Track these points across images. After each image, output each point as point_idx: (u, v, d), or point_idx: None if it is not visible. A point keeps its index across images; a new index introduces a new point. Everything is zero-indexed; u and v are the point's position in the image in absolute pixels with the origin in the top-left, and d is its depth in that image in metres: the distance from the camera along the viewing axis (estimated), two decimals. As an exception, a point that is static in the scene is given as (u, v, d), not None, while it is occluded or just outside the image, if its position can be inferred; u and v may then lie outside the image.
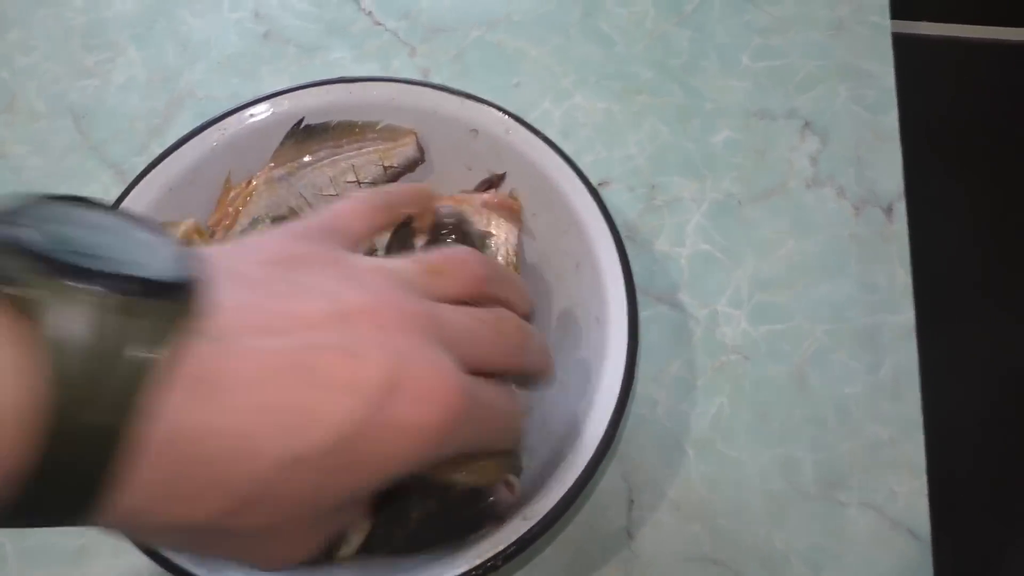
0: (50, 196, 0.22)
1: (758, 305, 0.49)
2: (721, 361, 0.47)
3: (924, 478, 0.44)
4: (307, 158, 0.43)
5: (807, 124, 0.53)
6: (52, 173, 0.52)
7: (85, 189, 0.51)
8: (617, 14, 0.57)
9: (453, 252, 0.30)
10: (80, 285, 0.19)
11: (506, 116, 0.42)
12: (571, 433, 0.36)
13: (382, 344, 0.24)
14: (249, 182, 0.42)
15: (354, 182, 0.43)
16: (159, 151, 0.42)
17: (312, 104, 0.43)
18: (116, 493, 0.20)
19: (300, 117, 0.42)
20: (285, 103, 0.43)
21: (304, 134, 0.43)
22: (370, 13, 0.57)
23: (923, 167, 0.51)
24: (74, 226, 0.21)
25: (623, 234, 0.50)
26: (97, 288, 0.19)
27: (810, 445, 0.45)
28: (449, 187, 0.43)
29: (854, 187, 0.52)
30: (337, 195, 0.43)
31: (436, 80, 0.55)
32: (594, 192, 0.40)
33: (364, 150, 0.43)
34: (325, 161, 0.43)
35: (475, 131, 0.43)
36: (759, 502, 0.44)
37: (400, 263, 0.28)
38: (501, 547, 0.33)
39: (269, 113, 0.42)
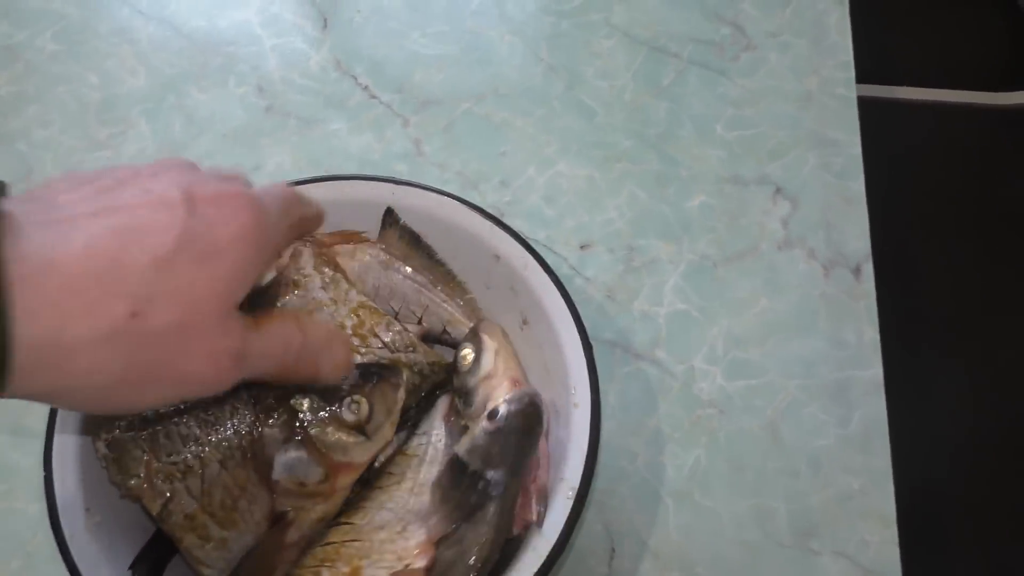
0: None
1: (733, 361, 0.51)
2: (698, 415, 0.49)
3: (894, 527, 0.46)
4: (408, 269, 0.45)
5: (778, 190, 0.57)
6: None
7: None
8: (598, 87, 0.61)
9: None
10: None
11: (526, 252, 0.43)
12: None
13: (166, 181, 0.29)
14: (356, 236, 0.44)
15: (414, 322, 0.45)
16: None
17: (354, 197, 0.45)
18: (17, 324, 0.24)
19: (385, 207, 0.45)
20: (323, 191, 0.44)
21: (411, 239, 0.45)
22: (366, 87, 0.61)
23: (890, 228, 0.55)
24: None
25: (604, 294, 0.53)
26: None
27: (784, 495, 0.47)
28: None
29: (823, 249, 0.54)
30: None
31: (427, 151, 0.58)
32: (587, 346, 0.41)
33: (443, 305, 0.46)
34: (417, 285, 0.45)
35: (497, 257, 0.44)
36: (735, 551, 0.46)
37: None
38: None
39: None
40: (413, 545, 0.38)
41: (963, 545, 0.47)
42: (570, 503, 0.37)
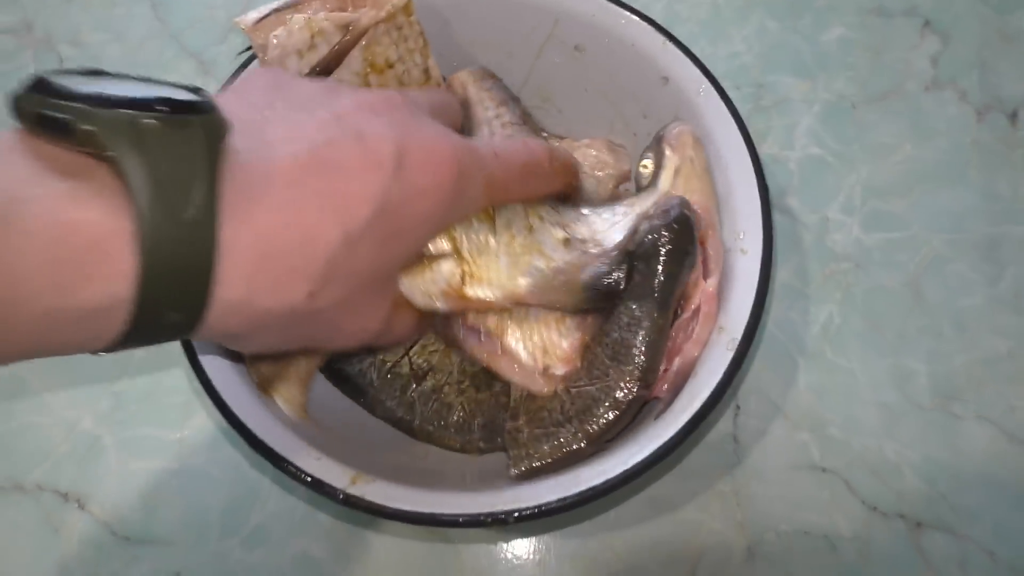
0: (68, 69, 0.24)
1: (872, 212, 0.46)
2: (832, 269, 0.45)
3: (1045, 393, 0.43)
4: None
5: (927, 23, 0.50)
6: (132, 62, 0.50)
7: (167, 79, 0.49)
8: (722, -98, 0.53)
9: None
10: (132, 111, 0.22)
11: (703, 76, 0.38)
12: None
13: (381, 124, 0.28)
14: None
15: None
16: (239, 41, 0.40)
17: None
18: (218, 288, 0.24)
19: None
20: None
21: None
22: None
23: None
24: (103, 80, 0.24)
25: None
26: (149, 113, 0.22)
27: (925, 356, 0.43)
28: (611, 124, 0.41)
29: (977, 91, 0.48)
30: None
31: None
32: (764, 188, 0.36)
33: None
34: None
35: (666, 79, 0.38)
36: (871, 412, 0.42)
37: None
38: (648, 451, 0.32)
39: None
40: (566, 346, 0.35)
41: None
42: (729, 355, 0.33)
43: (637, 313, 0.34)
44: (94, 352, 0.24)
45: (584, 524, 0.41)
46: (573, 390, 0.35)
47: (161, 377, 0.43)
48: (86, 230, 0.22)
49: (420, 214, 0.28)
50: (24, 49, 0.51)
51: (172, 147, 0.22)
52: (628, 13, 0.39)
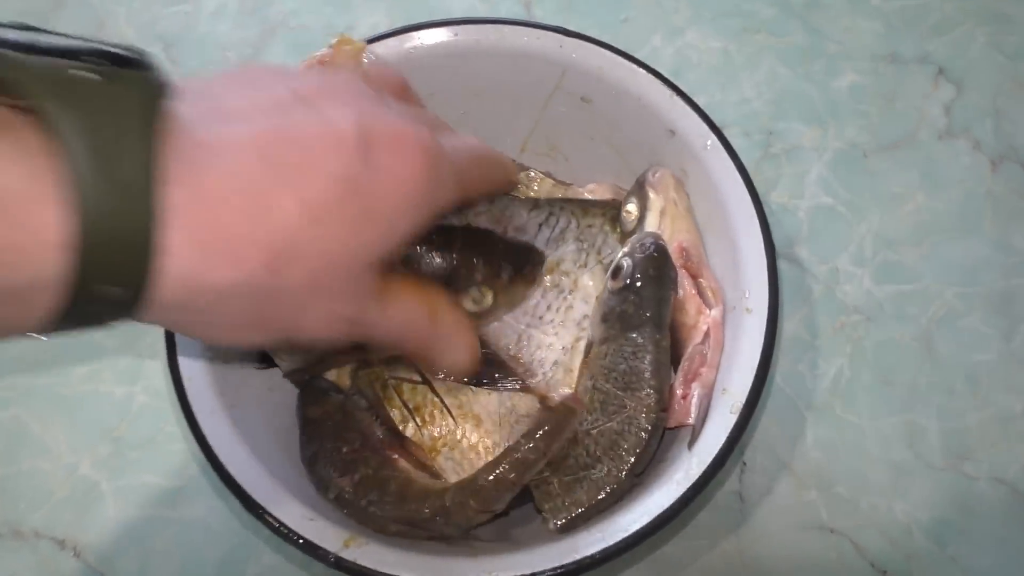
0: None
1: (883, 263, 0.45)
2: (842, 321, 0.44)
3: (1061, 454, 0.42)
4: None
5: (941, 70, 0.49)
6: (141, 103, 0.50)
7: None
8: (733, -54, 0.53)
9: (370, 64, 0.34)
10: (65, 61, 0.20)
11: (710, 130, 0.37)
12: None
13: (346, 108, 0.26)
14: None
15: None
16: None
17: (515, 46, 0.39)
18: (164, 258, 0.22)
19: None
20: (482, 35, 0.39)
21: None
22: (469, -59, 0.54)
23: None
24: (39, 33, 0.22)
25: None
26: (82, 64, 0.21)
27: (936, 413, 0.42)
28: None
29: (991, 140, 0.48)
30: None
31: (538, 15, 0.52)
32: (770, 246, 0.35)
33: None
34: None
35: (672, 132, 0.38)
36: (880, 471, 0.41)
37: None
38: (644, 522, 0.31)
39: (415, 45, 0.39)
40: None
41: None
42: (733, 419, 0.32)
43: (639, 340, 0.35)
44: (27, 334, 0.22)
45: (585, 582, 0.40)
46: (594, 431, 0.35)
47: (162, 424, 0.43)
48: (7, 196, 0.19)
49: (395, 199, 0.27)
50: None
51: (107, 101, 0.21)
52: (636, 66, 0.38)
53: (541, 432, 0.33)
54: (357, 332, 0.29)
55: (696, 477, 0.31)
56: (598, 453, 0.34)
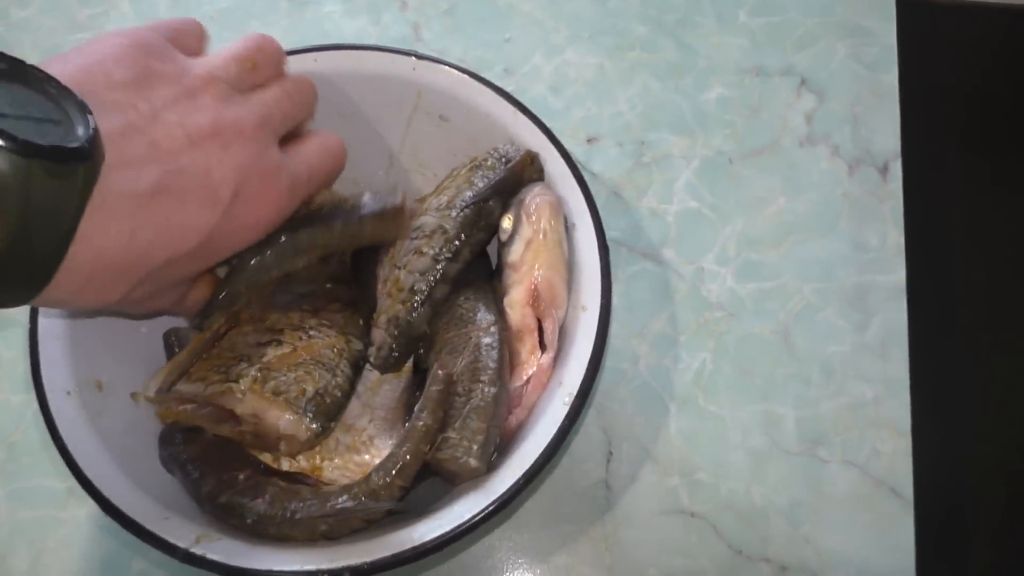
0: None
1: (745, 263, 0.48)
2: (705, 317, 0.47)
3: (909, 437, 0.44)
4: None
5: (804, 81, 0.52)
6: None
7: (78, 141, 0.52)
8: (613, -31, 0.56)
9: (254, 40, 0.37)
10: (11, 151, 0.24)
11: (548, 141, 0.40)
12: (548, 393, 0.37)
13: (228, 163, 0.31)
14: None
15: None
16: None
17: (373, 70, 0.42)
18: (48, 289, 0.27)
19: None
20: (340, 60, 0.42)
21: None
22: (364, -32, 0.57)
23: (921, 128, 0.50)
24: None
25: (610, 190, 0.50)
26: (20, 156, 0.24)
27: (793, 402, 0.45)
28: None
29: (849, 146, 0.51)
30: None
31: (427, 36, 0.54)
32: (604, 248, 0.38)
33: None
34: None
35: (512, 144, 0.41)
36: (739, 457, 0.44)
37: (221, 63, 0.34)
38: (481, 506, 0.33)
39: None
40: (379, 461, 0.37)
41: (980, 459, 0.45)
42: (565, 409, 0.34)
43: (473, 293, 0.40)
44: None
45: (455, 572, 0.42)
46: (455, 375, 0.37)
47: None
48: None
49: (239, 241, 0.33)
50: None
51: (49, 193, 0.25)
52: (483, 86, 0.41)
53: (430, 404, 0.36)
54: (298, 193, 0.35)
55: (529, 465, 0.33)
56: (468, 387, 0.36)
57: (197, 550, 0.33)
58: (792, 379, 0.45)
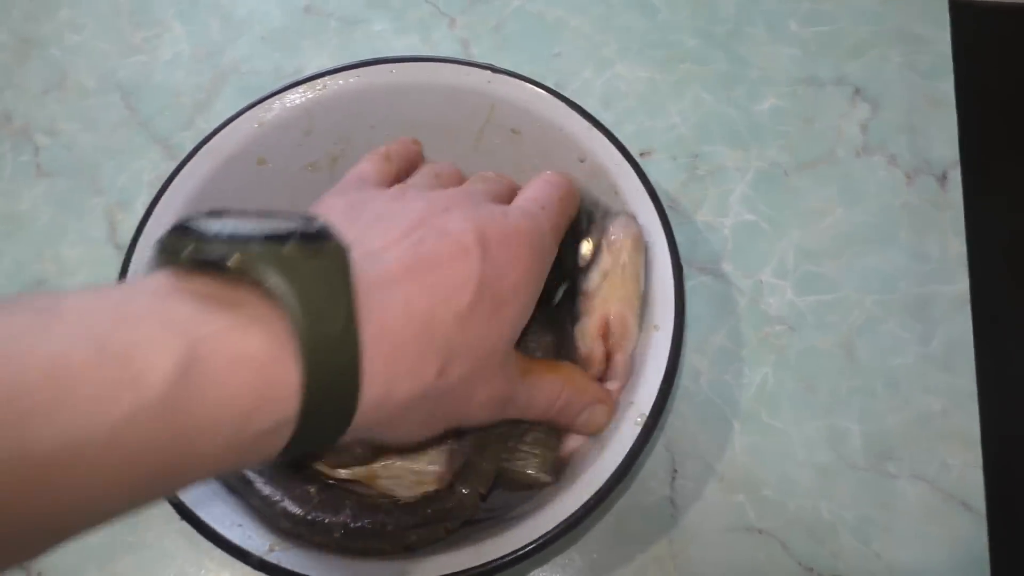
0: (193, 215, 0.27)
1: (804, 275, 0.48)
2: (766, 332, 0.46)
3: (979, 450, 0.43)
4: None
5: (857, 91, 0.52)
6: (102, 149, 0.53)
7: (134, 164, 0.52)
8: (660, -18, 0.56)
9: (436, 166, 0.39)
10: (283, 247, 0.25)
11: (624, 159, 0.40)
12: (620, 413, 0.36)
13: (456, 218, 0.31)
14: None
15: None
16: (204, 126, 0.43)
17: (446, 81, 0.42)
18: (364, 387, 0.26)
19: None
20: (414, 72, 0.42)
21: None
22: (411, -14, 0.57)
23: (979, 135, 0.50)
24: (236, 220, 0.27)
25: (665, 204, 0.49)
26: (292, 246, 0.25)
27: (858, 416, 0.44)
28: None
29: (906, 155, 0.50)
30: None
31: (475, 52, 0.55)
32: (678, 268, 0.38)
33: None
34: None
35: (582, 160, 0.41)
36: (805, 473, 0.43)
37: (414, 182, 0.37)
38: (554, 524, 0.33)
39: (319, 91, 0.42)
40: (435, 469, 0.37)
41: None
42: (637, 430, 0.34)
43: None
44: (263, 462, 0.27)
45: (523, 590, 0.42)
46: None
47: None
48: (256, 357, 0.24)
49: (514, 285, 0.31)
50: (4, 139, 0.54)
51: (313, 270, 0.25)
52: (557, 100, 0.41)
53: None
54: (511, 409, 0.34)
55: (602, 483, 0.34)
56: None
57: (271, 558, 0.33)
58: (856, 392, 0.45)
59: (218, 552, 0.42)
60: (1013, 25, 0.54)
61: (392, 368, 0.27)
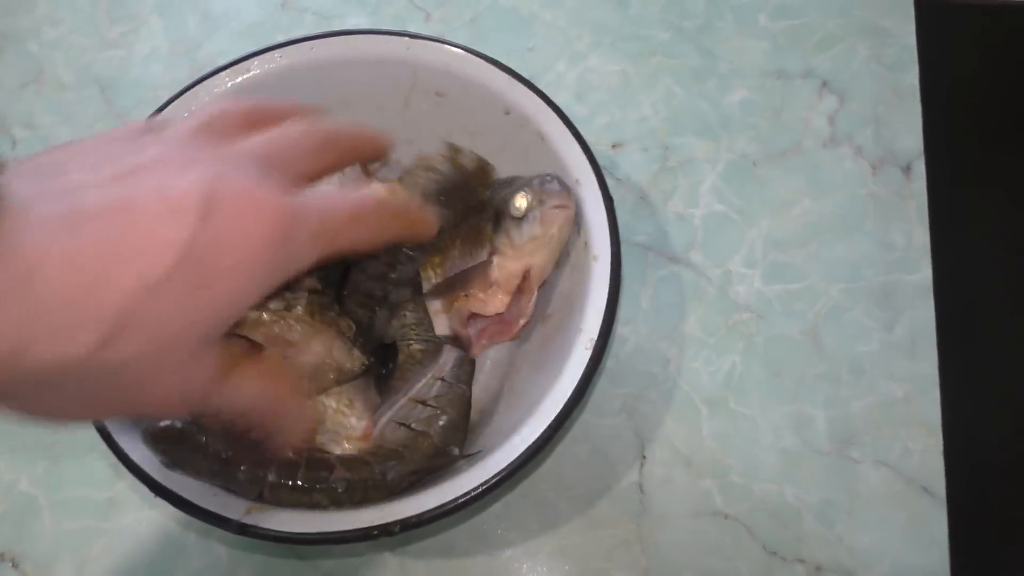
0: None
1: (772, 264, 0.48)
2: (734, 320, 0.47)
3: (940, 435, 0.44)
4: None
5: (825, 83, 0.53)
6: (80, 142, 0.53)
7: (111, 157, 0.53)
8: (633, -24, 0.57)
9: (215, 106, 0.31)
10: None
11: (544, 104, 0.42)
12: (559, 357, 0.38)
13: (190, 173, 0.25)
14: None
15: None
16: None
17: (367, 53, 0.43)
18: None
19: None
20: (335, 47, 0.43)
21: None
22: (386, -20, 0.58)
23: (943, 127, 0.51)
24: None
25: (637, 195, 0.50)
26: None
27: (823, 402, 0.45)
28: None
29: (872, 146, 0.51)
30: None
31: (451, 45, 0.55)
32: (608, 198, 0.40)
33: None
34: None
35: (508, 112, 0.42)
36: (772, 458, 0.44)
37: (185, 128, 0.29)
38: (517, 453, 0.34)
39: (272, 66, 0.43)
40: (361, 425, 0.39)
41: (1014, 457, 0.45)
42: (588, 354, 0.36)
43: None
44: None
45: (495, 572, 0.42)
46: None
47: (95, 440, 0.45)
48: None
49: (234, 264, 0.26)
50: (-18, 133, 0.54)
51: None
52: (476, 57, 0.42)
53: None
54: (202, 410, 0.30)
55: (560, 407, 0.35)
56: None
57: (250, 520, 0.33)
58: (822, 379, 0.46)
59: (189, 538, 0.43)
60: (976, 19, 0.54)
61: (27, 328, 0.22)
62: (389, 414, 0.38)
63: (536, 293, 0.40)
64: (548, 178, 0.39)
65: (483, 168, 0.42)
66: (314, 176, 0.32)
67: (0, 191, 0.22)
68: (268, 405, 0.31)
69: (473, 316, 0.42)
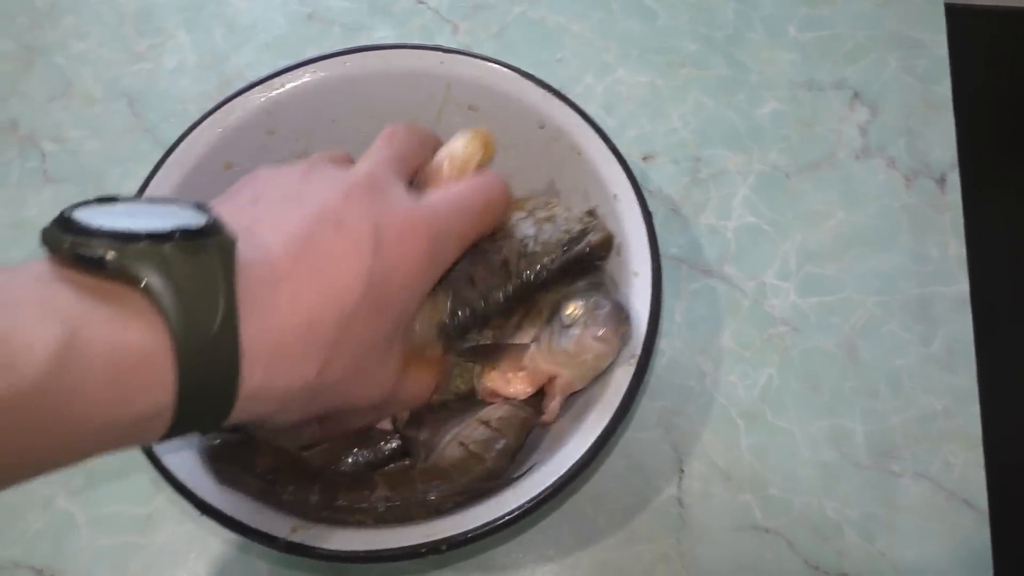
0: (84, 202, 0.27)
1: (807, 277, 0.48)
2: (770, 333, 0.47)
3: (980, 449, 0.44)
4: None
5: (856, 95, 0.53)
6: (108, 155, 0.53)
7: (140, 171, 0.52)
8: (660, -13, 0.57)
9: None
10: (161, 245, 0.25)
11: (583, 120, 0.41)
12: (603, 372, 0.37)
13: (356, 210, 0.31)
14: None
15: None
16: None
17: (400, 67, 0.43)
18: (242, 381, 0.27)
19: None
20: (368, 61, 0.43)
21: None
22: (413, -8, 0.58)
23: (976, 137, 0.51)
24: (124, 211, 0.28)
25: (668, 208, 0.50)
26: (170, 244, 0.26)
27: (861, 416, 0.45)
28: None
29: (905, 157, 0.51)
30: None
31: (480, 57, 0.55)
32: (647, 215, 0.39)
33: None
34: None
35: (542, 126, 0.42)
36: (810, 472, 0.44)
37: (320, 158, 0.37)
38: (565, 469, 0.34)
39: (310, 78, 0.43)
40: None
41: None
42: (632, 369, 0.36)
43: None
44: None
45: (533, 590, 0.42)
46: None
47: (132, 454, 0.45)
48: (135, 349, 0.24)
49: (402, 283, 0.32)
50: (11, 146, 0.54)
51: (193, 269, 0.26)
52: (509, 71, 0.42)
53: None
54: (388, 407, 0.37)
55: (607, 421, 0.35)
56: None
57: (296, 539, 0.33)
58: (859, 393, 0.45)
59: (229, 554, 0.42)
60: (1008, 27, 0.54)
61: (272, 366, 0.28)
62: (456, 430, 0.38)
63: (560, 400, 0.38)
64: (604, 303, 0.36)
65: (606, 242, 0.40)
66: (419, 169, 0.38)
67: (240, 265, 0.27)
68: (426, 396, 0.38)
69: (494, 393, 0.39)
